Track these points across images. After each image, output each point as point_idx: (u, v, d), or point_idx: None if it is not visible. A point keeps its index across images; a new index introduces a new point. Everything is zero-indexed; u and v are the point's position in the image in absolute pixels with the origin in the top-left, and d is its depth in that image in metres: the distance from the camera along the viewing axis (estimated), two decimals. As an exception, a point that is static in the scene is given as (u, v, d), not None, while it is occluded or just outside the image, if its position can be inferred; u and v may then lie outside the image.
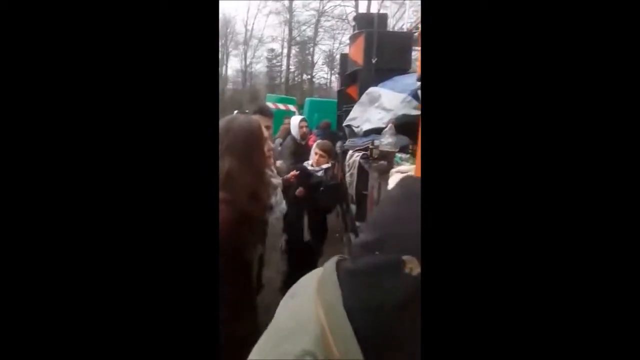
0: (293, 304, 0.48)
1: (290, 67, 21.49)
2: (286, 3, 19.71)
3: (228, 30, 20.17)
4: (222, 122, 1.09)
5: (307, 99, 8.39)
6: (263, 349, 0.44)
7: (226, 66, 20.97)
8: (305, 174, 2.41)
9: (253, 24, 20.21)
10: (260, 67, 21.78)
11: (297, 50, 21.42)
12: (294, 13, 20.08)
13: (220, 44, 19.90)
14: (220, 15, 19.56)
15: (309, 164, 2.57)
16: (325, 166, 2.57)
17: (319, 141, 2.78)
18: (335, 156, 3.03)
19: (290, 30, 20.45)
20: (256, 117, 1.33)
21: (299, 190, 2.37)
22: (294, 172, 2.32)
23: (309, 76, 21.50)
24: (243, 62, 21.14)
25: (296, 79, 21.79)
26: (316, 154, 2.55)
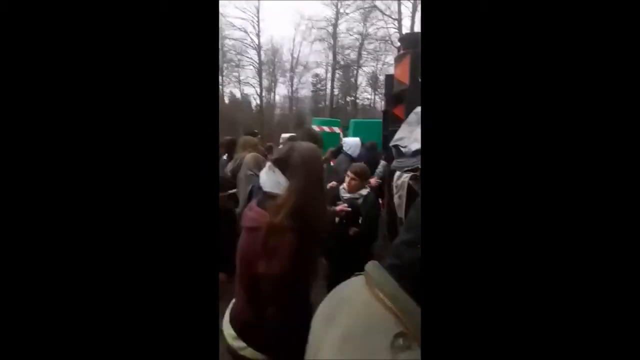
0: (343, 313, 0.48)
1: (335, 90, 22.00)
2: (330, 29, 20.46)
3: (276, 59, 21.34)
4: (285, 148, 1.09)
5: (352, 120, 8.46)
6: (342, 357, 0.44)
7: (274, 92, 22.06)
8: (353, 209, 2.19)
9: (299, 51, 21.20)
10: (305, 92, 22.60)
11: (341, 73, 21.94)
12: (338, 38, 20.74)
13: (268, 71, 21.06)
14: (268, 45, 20.78)
15: (342, 188, 2.38)
16: (364, 192, 2.36)
17: (353, 164, 2.57)
18: (368, 179, 2.68)
19: (334, 55, 21.07)
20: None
21: (353, 231, 2.21)
22: (343, 207, 2.10)
23: (353, 98, 21.79)
24: (290, 88, 22.09)
25: (340, 101, 22.19)
26: (349, 176, 2.32)
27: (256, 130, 4.78)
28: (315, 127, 6.93)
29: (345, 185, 2.34)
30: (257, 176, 1.59)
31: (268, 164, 1.10)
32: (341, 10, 20.14)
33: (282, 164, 1.04)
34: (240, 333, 1.05)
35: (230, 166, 2.39)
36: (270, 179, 1.04)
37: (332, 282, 2.38)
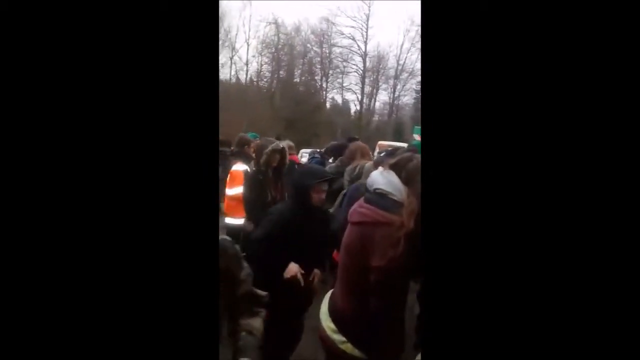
0: None
1: (439, 98, 20.79)
2: (441, 35, 19.44)
3: (380, 65, 21.37)
4: (405, 156, 1.13)
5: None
6: None
7: (375, 99, 22.13)
8: None
9: (405, 58, 20.81)
10: (407, 99, 22.05)
11: (448, 81, 20.62)
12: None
13: (372, 78, 21.21)
14: (374, 52, 20.95)
15: None
16: None
17: None
18: None
19: (443, 62, 19.93)
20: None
21: None
22: None
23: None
24: (391, 95, 21.87)
25: (444, 110, 20.89)
26: None
27: (356, 137, 4.88)
28: (417, 137, 6.71)
29: None
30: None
31: (383, 166, 1.15)
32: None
33: (398, 169, 1.08)
34: (340, 326, 1.12)
35: (348, 175, 2.47)
36: (387, 180, 1.09)
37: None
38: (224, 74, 17.25)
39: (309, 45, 20.40)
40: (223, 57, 16.88)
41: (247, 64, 18.20)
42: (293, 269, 1.49)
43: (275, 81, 19.48)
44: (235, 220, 2.61)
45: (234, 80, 17.82)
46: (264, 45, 18.38)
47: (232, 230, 2.50)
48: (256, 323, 1.00)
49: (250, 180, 2.40)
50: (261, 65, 18.82)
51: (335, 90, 21.91)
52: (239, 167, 2.67)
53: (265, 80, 19.14)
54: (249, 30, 18.00)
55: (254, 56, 18.35)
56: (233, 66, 17.83)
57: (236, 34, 17.84)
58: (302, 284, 1.49)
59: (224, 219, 2.61)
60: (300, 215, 1.54)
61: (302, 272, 1.50)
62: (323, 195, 1.59)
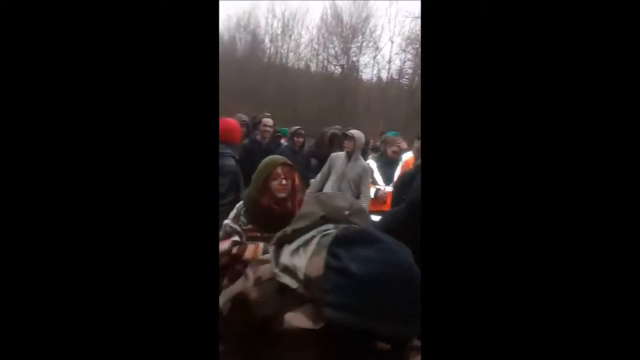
0: None
1: None
2: None
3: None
4: None
5: None
6: None
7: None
8: None
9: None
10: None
11: None
12: None
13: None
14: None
15: None
16: None
17: None
18: None
19: None
20: None
21: None
22: None
23: None
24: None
25: None
26: None
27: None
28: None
29: None
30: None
31: None
32: None
33: None
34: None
35: None
36: None
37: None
38: (366, 74, 17.74)
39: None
40: (367, 57, 17.37)
41: (389, 62, 18.22)
42: None
43: (417, 77, 18.87)
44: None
45: (375, 79, 18.14)
46: (408, 41, 17.98)
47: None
48: None
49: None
50: (404, 62, 18.49)
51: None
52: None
53: (406, 77, 18.74)
54: (394, 27, 17.93)
55: (397, 54, 18.20)
56: (376, 65, 18.16)
57: (380, 34, 18.06)
58: None
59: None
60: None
61: None
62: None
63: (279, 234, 0.63)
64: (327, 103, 14.98)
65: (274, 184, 1.26)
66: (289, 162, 1.37)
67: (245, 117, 3.61)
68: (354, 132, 2.91)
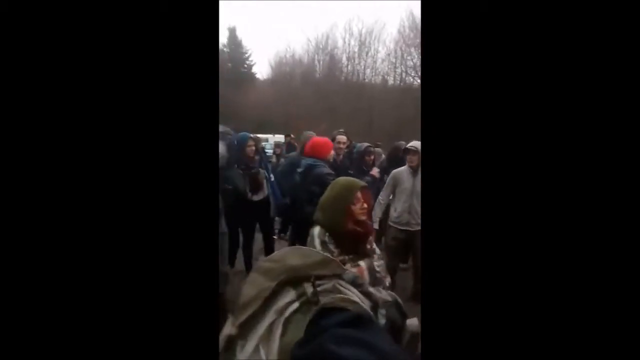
0: None
1: None
2: None
3: None
4: None
5: None
6: None
7: None
8: None
9: None
10: None
11: None
12: None
13: None
14: None
15: None
16: None
17: None
18: None
19: None
20: None
21: None
22: None
23: None
24: None
25: None
26: None
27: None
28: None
29: None
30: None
31: None
32: None
33: None
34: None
35: None
36: None
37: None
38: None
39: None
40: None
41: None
42: None
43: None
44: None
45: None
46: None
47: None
48: None
49: None
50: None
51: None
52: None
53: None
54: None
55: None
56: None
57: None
58: None
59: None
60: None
61: None
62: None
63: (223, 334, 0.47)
64: (405, 115, 14.67)
65: (356, 208, 1.36)
66: (366, 185, 1.45)
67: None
68: (417, 144, 2.59)
